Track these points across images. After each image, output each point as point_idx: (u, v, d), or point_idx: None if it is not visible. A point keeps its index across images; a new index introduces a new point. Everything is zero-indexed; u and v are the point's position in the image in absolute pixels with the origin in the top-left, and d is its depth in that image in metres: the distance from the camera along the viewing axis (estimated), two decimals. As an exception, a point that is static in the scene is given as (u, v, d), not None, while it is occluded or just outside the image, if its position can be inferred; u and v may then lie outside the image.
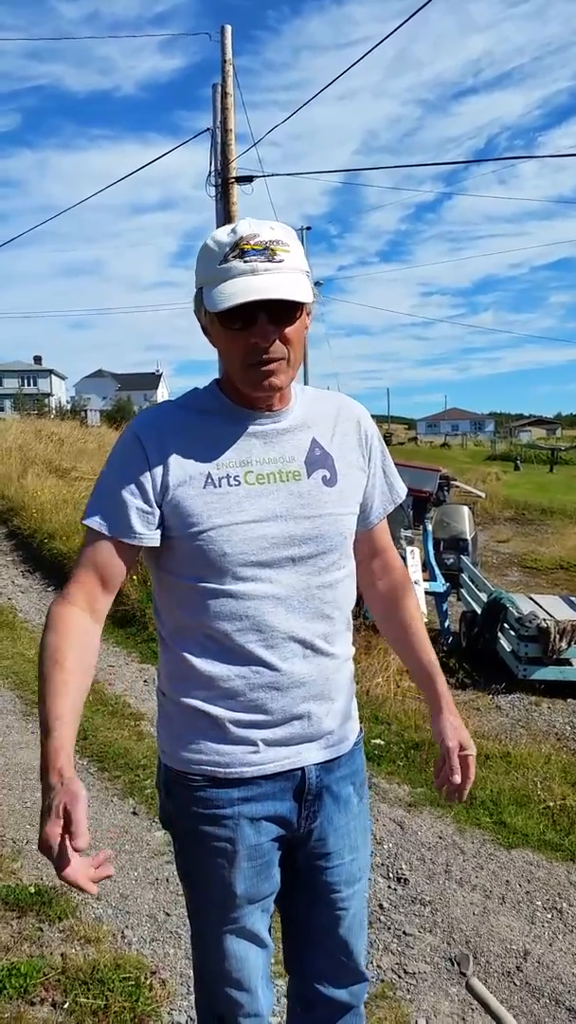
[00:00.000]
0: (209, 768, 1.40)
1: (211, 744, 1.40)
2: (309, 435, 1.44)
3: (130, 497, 1.34)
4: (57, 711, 1.22)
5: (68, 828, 1.09)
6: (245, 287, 1.26)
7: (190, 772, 1.41)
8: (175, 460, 1.35)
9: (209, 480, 1.35)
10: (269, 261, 1.28)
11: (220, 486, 1.35)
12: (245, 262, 1.27)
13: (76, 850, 1.09)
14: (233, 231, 1.31)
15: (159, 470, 1.34)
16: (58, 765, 1.17)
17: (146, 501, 1.35)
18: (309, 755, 1.44)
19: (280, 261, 1.28)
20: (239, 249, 1.28)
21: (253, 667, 1.37)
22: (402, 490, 1.61)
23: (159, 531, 1.37)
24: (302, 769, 1.43)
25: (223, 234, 1.32)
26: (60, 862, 1.10)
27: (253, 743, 1.39)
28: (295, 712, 1.41)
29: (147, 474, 1.34)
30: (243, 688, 1.38)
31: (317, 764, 1.45)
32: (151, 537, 1.36)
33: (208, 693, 1.39)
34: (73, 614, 1.33)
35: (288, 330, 1.32)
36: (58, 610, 1.34)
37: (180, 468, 1.35)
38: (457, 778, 1.49)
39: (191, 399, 1.46)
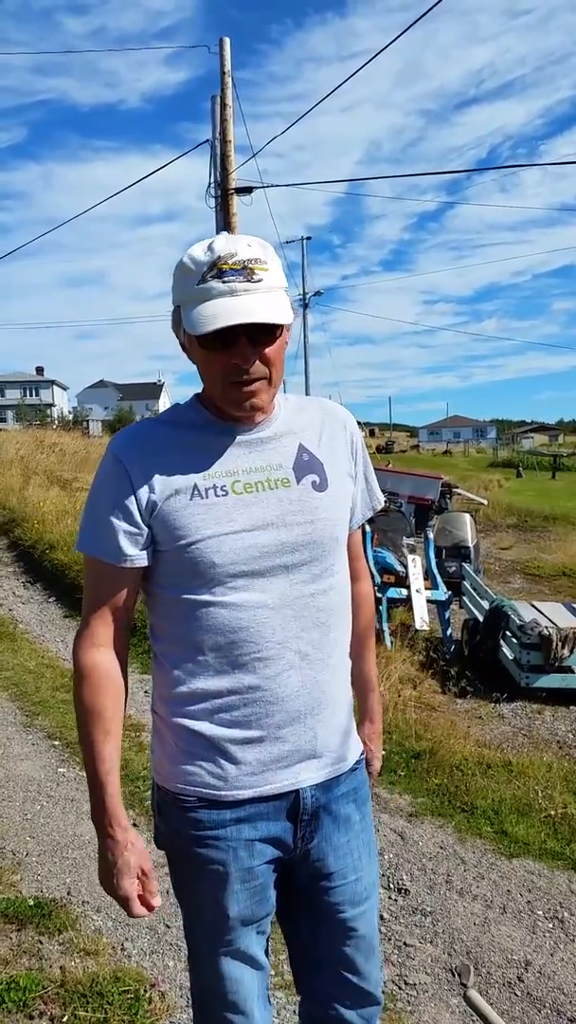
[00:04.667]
0: (204, 790, 1.38)
1: (205, 765, 1.37)
2: (296, 441, 1.43)
3: (116, 521, 1.34)
4: (107, 763, 1.35)
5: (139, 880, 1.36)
6: (225, 309, 1.25)
7: (183, 794, 1.39)
8: (159, 475, 1.34)
9: (196, 492, 1.34)
10: (248, 281, 1.27)
11: (207, 497, 1.34)
12: (224, 282, 1.26)
13: (150, 909, 1.37)
14: (210, 249, 1.29)
15: (143, 489, 1.33)
16: (120, 820, 1.35)
17: (132, 523, 1.34)
18: (308, 775, 1.41)
19: (259, 281, 1.27)
20: (217, 268, 1.27)
21: (247, 680, 1.35)
22: (380, 498, 1.61)
23: (147, 550, 1.36)
24: (297, 790, 1.40)
25: (199, 252, 1.30)
26: (135, 909, 1.36)
27: (249, 764, 1.36)
28: (292, 728, 1.38)
29: (131, 495, 1.33)
30: (237, 703, 1.35)
31: (314, 784, 1.42)
32: (141, 557, 1.36)
33: (201, 711, 1.36)
34: (102, 660, 1.38)
35: (268, 350, 1.31)
36: (86, 658, 1.38)
37: (165, 483, 1.34)
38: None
39: (172, 415, 1.45)
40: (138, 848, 1.36)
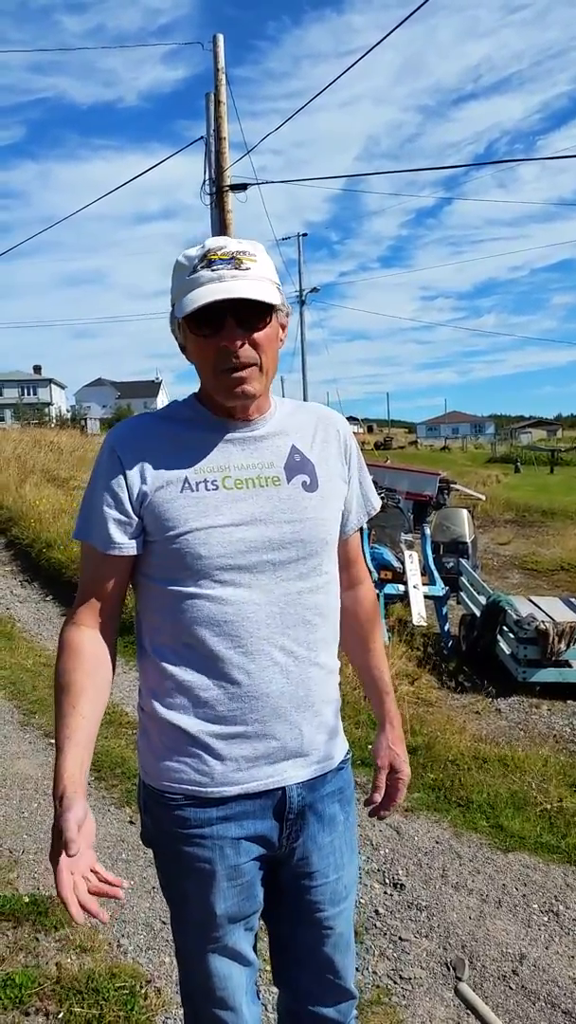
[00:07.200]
0: (189, 787, 1.38)
1: (191, 762, 1.38)
2: (288, 442, 1.45)
3: (107, 509, 1.37)
4: (64, 732, 1.28)
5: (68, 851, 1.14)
6: (211, 291, 1.29)
7: (169, 792, 1.39)
8: (152, 466, 1.37)
9: (186, 484, 1.36)
10: (236, 269, 1.31)
11: (197, 490, 1.36)
12: (213, 271, 1.31)
13: (96, 908, 1.14)
14: (202, 246, 1.35)
15: (136, 478, 1.36)
16: (59, 789, 1.21)
17: (123, 511, 1.36)
18: (294, 773, 1.42)
19: (247, 269, 1.32)
20: (207, 260, 1.32)
21: (231, 675, 1.35)
22: (376, 502, 1.62)
23: (137, 539, 1.38)
24: (283, 788, 1.41)
25: (193, 250, 1.36)
26: (70, 908, 1.13)
27: (234, 760, 1.37)
28: (277, 724, 1.38)
29: (123, 484, 1.36)
30: (222, 698, 1.36)
31: (300, 783, 1.43)
32: (130, 546, 1.38)
33: (187, 704, 1.37)
34: (80, 638, 1.38)
35: (258, 335, 1.33)
36: (65, 635, 1.40)
37: (157, 474, 1.36)
38: (378, 796, 1.58)
39: (169, 410, 1.47)
40: (86, 832, 1.19)
